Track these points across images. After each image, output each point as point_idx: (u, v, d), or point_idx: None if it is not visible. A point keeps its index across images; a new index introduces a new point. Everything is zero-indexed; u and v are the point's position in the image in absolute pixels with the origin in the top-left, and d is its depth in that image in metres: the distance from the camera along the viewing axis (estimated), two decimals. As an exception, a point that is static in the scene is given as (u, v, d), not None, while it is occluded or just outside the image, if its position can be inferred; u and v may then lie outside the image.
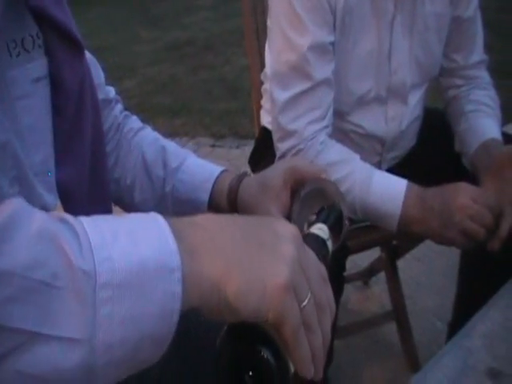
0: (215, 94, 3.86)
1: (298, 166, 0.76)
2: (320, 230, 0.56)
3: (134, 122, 0.95)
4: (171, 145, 0.92)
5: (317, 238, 0.55)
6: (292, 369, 0.46)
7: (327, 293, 0.48)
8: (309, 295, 0.45)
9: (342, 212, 0.62)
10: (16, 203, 0.38)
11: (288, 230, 0.48)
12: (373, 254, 1.77)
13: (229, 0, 5.79)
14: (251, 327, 0.44)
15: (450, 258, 1.28)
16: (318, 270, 0.48)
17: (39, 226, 0.37)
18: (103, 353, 0.37)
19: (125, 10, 6.88)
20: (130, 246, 0.39)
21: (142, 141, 0.91)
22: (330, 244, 0.56)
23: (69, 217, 0.40)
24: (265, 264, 0.44)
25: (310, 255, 0.49)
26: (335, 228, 0.59)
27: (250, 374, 0.44)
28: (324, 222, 0.58)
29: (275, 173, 0.77)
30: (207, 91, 3.94)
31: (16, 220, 0.36)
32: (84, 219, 0.40)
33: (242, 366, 0.44)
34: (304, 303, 0.45)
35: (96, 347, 0.36)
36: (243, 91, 3.49)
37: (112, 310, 0.37)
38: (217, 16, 5.74)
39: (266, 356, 0.43)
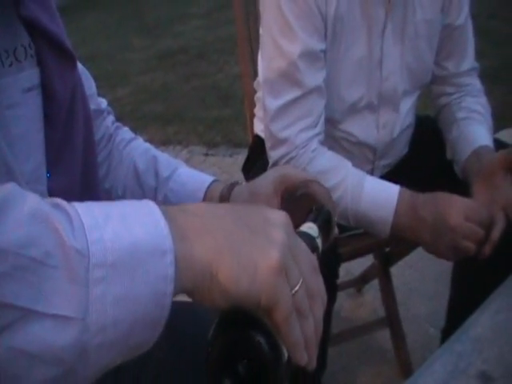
0: (208, 102, 3.87)
1: (288, 173, 0.77)
2: (309, 228, 0.57)
3: (126, 132, 0.96)
4: (162, 155, 0.93)
5: (306, 235, 0.56)
6: (286, 355, 0.46)
7: (318, 282, 0.49)
8: (300, 281, 0.46)
9: (331, 213, 0.63)
10: (9, 186, 0.38)
11: (279, 216, 0.49)
12: (366, 262, 1.78)
13: (221, 8, 5.81)
14: (244, 315, 0.45)
15: (442, 264, 1.28)
16: (308, 258, 0.49)
17: (32, 206, 0.37)
18: (96, 333, 0.37)
19: (118, 19, 6.89)
20: (122, 228, 0.40)
21: (133, 151, 0.92)
22: (319, 242, 0.57)
23: (61, 201, 0.40)
24: (256, 247, 0.45)
25: (301, 244, 0.49)
26: (324, 228, 0.60)
27: (244, 362, 0.44)
28: (313, 221, 0.59)
29: (266, 181, 0.78)
30: (200, 99, 3.95)
31: (9, 201, 0.37)
32: (76, 203, 0.40)
33: (235, 354, 0.44)
34: (295, 289, 0.45)
35: (89, 326, 0.37)
36: (236, 99, 3.50)
37: (105, 290, 0.38)
38: (209, 24, 5.76)
39: (259, 341, 0.44)
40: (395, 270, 1.70)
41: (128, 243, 0.39)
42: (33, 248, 0.36)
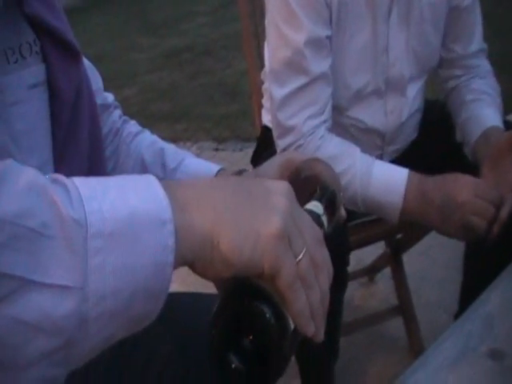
0: (216, 99, 3.88)
1: (293, 157, 0.77)
2: (314, 206, 0.57)
3: (133, 126, 0.96)
4: (170, 146, 0.93)
5: (311, 212, 0.55)
6: (292, 326, 0.45)
7: (323, 253, 0.48)
8: (304, 250, 0.45)
9: (336, 192, 0.63)
10: (7, 161, 0.38)
11: (280, 184, 0.48)
12: (377, 251, 1.78)
13: (226, 5, 5.81)
14: (247, 286, 0.44)
15: (454, 250, 1.29)
16: (312, 228, 0.49)
17: (29, 179, 0.38)
18: (96, 303, 0.37)
19: (123, 18, 6.91)
20: (120, 199, 0.40)
21: (140, 143, 0.92)
22: (324, 220, 0.56)
23: (59, 175, 0.40)
24: (257, 214, 0.44)
25: (305, 215, 0.49)
26: (329, 207, 0.59)
27: (249, 335, 0.44)
28: (318, 200, 0.59)
29: (271, 166, 0.78)
30: (208, 96, 3.96)
31: (6, 174, 0.37)
32: (75, 178, 0.41)
33: (240, 327, 0.44)
34: (299, 257, 0.45)
35: (88, 296, 0.37)
36: (243, 95, 3.50)
37: (103, 260, 0.38)
38: (215, 21, 5.77)
39: (263, 310, 0.43)
40: (406, 258, 1.70)
41: (127, 213, 0.39)
42: (30, 218, 0.36)
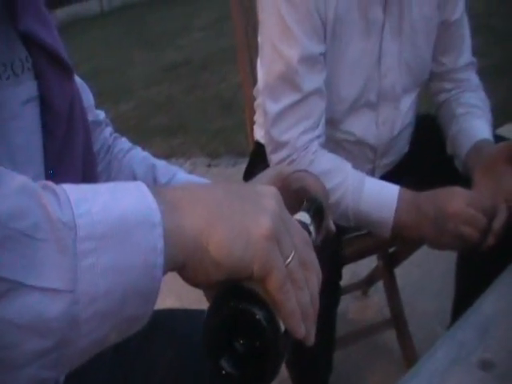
0: (211, 113, 3.90)
1: (284, 170, 0.79)
2: (301, 216, 0.58)
3: (124, 143, 0.97)
4: (161, 162, 0.94)
5: (299, 221, 0.56)
6: (282, 328, 0.45)
7: (312, 256, 0.49)
8: (293, 252, 0.46)
9: (323, 203, 0.64)
10: None
11: (269, 188, 0.49)
12: (371, 264, 1.79)
13: (222, 20, 5.85)
14: (237, 289, 0.45)
15: (448, 262, 1.30)
16: (301, 231, 0.49)
17: (20, 182, 0.38)
18: (87, 304, 0.38)
19: (120, 33, 6.96)
20: (110, 201, 0.40)
21: (132, 160, 0.93)
22: (312, 229, 0.58)
23: (49, 182, 0.41)
24: (247, 215, 0.45)
25: (293, 219, 0.50)
26: (316, 218, 0.61)
27: (241, 338, 0.44)
28: (305, 211, 0.60)
29: (262, 180, 0.79)
30: (203, 110, 3.98)
31: None
32: (65, 184, 0.41)
33: (232, 330, 0.44)
34: (289, 259, 0.45)
35: (79, 298, 0.37)
36: (239, 108, 3.52)
37: (94, 261, 0.38)
38: (211, 35, 5.81)
39: (254, 313, 0.43)
40: (401, 270, 1.71)
41: (116, 216, 0.40)
42: (21, 220, 0.36)
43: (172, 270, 0.44)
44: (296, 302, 0.46)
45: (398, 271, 1.68)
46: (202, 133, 3.62)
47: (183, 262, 0.44)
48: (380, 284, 1.81)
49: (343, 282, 1.20)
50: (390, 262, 1.66)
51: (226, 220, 0.44)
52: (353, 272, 1.86)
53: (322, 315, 0.49)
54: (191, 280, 0.46)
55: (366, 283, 1.89)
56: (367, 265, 1.76)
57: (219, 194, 0.47)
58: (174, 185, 0.47)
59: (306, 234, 0.51)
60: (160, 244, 0.41)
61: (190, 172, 0.93)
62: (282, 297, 0.45)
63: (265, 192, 0.49)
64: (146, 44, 6.16)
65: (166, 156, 3.21)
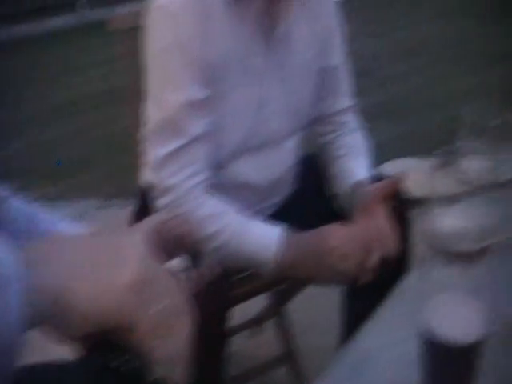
0: (104, 153, 3.83)
1: (163, 218, 0.79)
2: (177, 262, 0.59)
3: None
4: (38, 210, 0.91)
5: (173, 268, 0.58)
6: (157, 374, 0.47)
7: (180, 301, 0.50)
8: (159, 300, 0.47)
9: (198, 250, 0.66)
10: None
11: (132, 237, 0.50)
12: (263, 301, 1.81)
13: (118, 59, 5.80)
14: (104, 342, 0.46)
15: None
16: (169, 279, 0.50)
17: None
18: None
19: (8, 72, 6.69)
20: None
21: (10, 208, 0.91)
22: (187, 276, 0.59)
23: None
24: (111, 268, 0.46)
25: (160, 266, 0.51)
26: (193, 264, 0.62)
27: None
28: (182, 257, 0.61)
29: (142, 227, 0.78)
30: (96, 150, 3.90)
31: None
32: None
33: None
34: (155, 308, 0.46)
35: None
36: (131, 149, 3.49)
37: None
38: (105, 74, 5.72)
39: (119, 365, 0.45)
40: (295, 304, 1.74)
41: None
42: None
43: (36, 324, 0.43)
44: (163, 350, 0.47)
45: (291, 306, 1.70)
46: (93, 174, 3.54)
47: (48, 317, 0.44)
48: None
49: (238, 320, 1.19)
50: (280, 301, 1.69)
51: (89, 273, 0.45)
52: (242, 310, 1.87)
53: (211, 357, 0.51)
54: (59, 334, 0.46)
55: (258, 321, 1.90)
56: (261, 300, 1.78)
57: (83, 247, 0.47)
58: (36, 240, 0.47)
59: (175, 280, 0.51)
60: (15, 301, 0.41)
61: (81, 215, 0.91)
62: (149, 345, 0.46)
63: (127, 242, 0.49)
64: (36, 79, 5.96)
65: (52, 200, 3.10)
